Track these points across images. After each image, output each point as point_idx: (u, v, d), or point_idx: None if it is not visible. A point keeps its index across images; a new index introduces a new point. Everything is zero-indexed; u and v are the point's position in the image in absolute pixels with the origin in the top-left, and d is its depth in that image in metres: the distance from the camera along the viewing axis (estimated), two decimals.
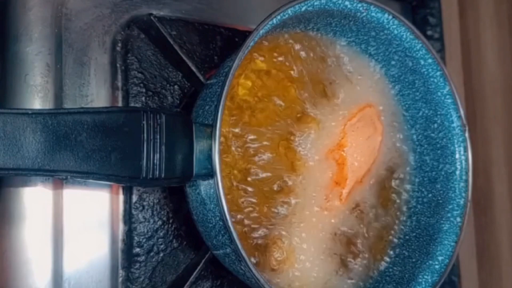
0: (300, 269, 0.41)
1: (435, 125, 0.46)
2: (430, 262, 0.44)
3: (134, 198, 0.42)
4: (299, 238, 0.41)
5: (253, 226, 0.40)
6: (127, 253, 0.42)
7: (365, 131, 0.45)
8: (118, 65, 0.43)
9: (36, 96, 0.39)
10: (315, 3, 0.39)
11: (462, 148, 0.45)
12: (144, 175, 0.34)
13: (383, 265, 0.45)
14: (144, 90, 0.43)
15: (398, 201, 0.47)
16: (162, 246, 0.43)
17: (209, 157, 0.35)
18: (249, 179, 0.40)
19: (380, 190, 0.46)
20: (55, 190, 0.40)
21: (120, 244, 0.42)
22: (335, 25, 0.44)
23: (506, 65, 0.65)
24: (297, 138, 0.42)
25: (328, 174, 0.43)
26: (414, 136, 0.47)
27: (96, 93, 0.42)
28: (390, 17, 0.43)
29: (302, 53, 0.43)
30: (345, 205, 0.44)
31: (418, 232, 0.46)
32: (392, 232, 0.46)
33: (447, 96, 0.45)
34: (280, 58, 0.42)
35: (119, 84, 0.43)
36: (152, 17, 0.43)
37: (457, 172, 0.45)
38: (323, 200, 0.43)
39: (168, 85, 0.44)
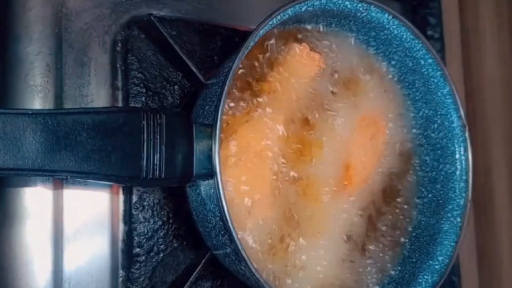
0: (306, 267, 0.41)
1: (435, 125, 0.46)
2: (430, 262, 0.44)
3: (134, 198, 0.42)
4: (305, 240, 0.42)
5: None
6: (127, 253, 0.42)
7: (368, 131, 0.45)
8: (118, 65, 0.43)
9: (36, 96, 0.39)
10: (315, 3, 0.39)
11: (462, 148, 0.45)
12: (144, 175, 0.34)
13: (383, 265, 0.45)
14: (144, 90, 0.43)
15: (399, 201, 0.47)
16: (162, 246, 0.43)
17: (209, 157, 0.35)
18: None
19: (382, 191, 0.46)
20: (55, 190, 0.40)
21: (120, 244, 0.42)
22: (335, 25, 0.44)
23: (506, 65, 0.64)
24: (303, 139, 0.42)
25: (333, 175, 0.43)
26: (414, 136, 0.47)
27: (96, 93, 0.42)
28: (390, 17, 0.43)
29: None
30: (351, 205, 0.44)
31: (418, 232, 0.46)
32: (395, 232, 0.46)
33: (447, 96, 0.45)
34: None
35: (119, 84, 0.43)
36: (152, 17, 0.43)
37: (457, 172, 0.45)
38: (330, 201, 0.43)
39: (168, 85, 0.44)
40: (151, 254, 0.42)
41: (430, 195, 0.46)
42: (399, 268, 0.45)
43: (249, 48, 0.37)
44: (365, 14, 0.42)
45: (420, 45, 0.44)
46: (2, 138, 0.31)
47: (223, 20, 0.47)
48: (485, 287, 0.61)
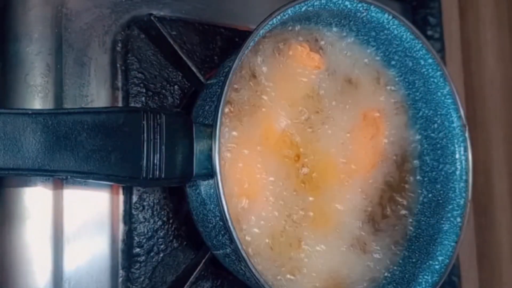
0: (306, 266, 0.41)
1: (435, 125, 0.46)
2: (430, 262, 0.44)
3: (134, 198, 0.42)
4: (306, 239, 0.42)
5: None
6: (127, 253, 0.42)
7: (368, 131, 0.45)
8: (118, 65, 0.43)
9: (36, 96, 0.39)
10: (315, 3, 0.39)
11: (462, 148, 0.45)
12: (144, 175, 0.34)
13: (384, 264, 0.45)
14: (144, 90, 0.43)
15: (399, 201, 0.47)
16: (162, 246, 0.43)
17: (209, 157, 0.35)
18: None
19: (382, 190, 0.46)
20: (55, 190, 0.40)
21: (120, 244, 0.42)
22: (335, 25, 0.44)
23: (506, 65, 0.65)
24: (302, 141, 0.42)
25: (334, 175, 0.43)
26: (414, 137, 0.47)
27: (96, 93, 0.42)
28: (390, 17, 0.43)
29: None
30: (352, 205, 0.44)
31: (418, 232, 0.46)
32: (395, 232, 0.46)
33: (447, 96, 0.45)
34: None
35: (119, 84, 0.43)
36: (152, 17, 0.43)
37: (457, 172, 0.45)
38: (331, 201, 0.43)
39: (168, 85, 0.44)
40: (151, 254, 0.42)
41: (430, 195, 0.46)
42: (399, 268, 0.45)
43: (249, 48, 0.37)
44: (365, 14, 0.42)
45: (420, 45, 0.44)
46: (2, 138, 0.31)
47: (223, 20, 0.48)
48: (485, 287, 0.61)
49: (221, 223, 0.36)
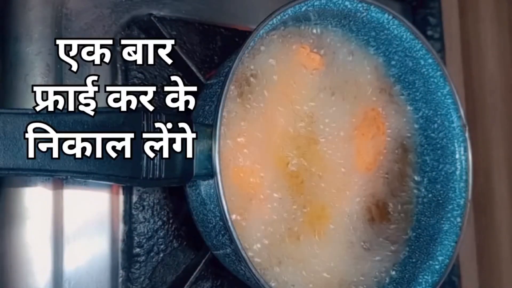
0: (307, 266, 0.41)
1: (435, 125, 0.46)
2: (430, 262, 0.44)
3: (134, 198, 0.42)
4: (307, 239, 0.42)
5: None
6: (127, 253, 0.42)
7: (368, 131, 0.45)
8: (118, 65, 0.43)
9: None
10: (315, 3, 0.39)
11: (462, 148, 0.45)
12: (144, 175, 0.34)
13: (384, 265, 0.45)
14: None
15: (399, 201, 0.47)
16: (162, 246, 0.43)
17: (209, 157, 0.35)
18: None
19: (383, 191, 0.46)
20: (55, 190, 0.40)
21: (120, 244, 0.42)
22: (335, 25, 0.44)
23: (506, 65, 0.65)
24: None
25: (335, 175, 0.43)
26: (414, 136, 0.47)
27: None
28: (390, 17, 0.43)
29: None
30: (353, 206, 0.44)
31: (418, 232, 0.46)
32: (395, 232, 0.46)
33: (447, 96, 0.45)
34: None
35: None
36: (152, 17, 0.43)
37: (457, 172, 0.45)
38: (332, 202, 0.43)
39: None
40: (151, 254, 0.42)
41: (430, 195, 0.46)
42: (399, 268, 0.45)
43: (249, 48, 0.37)
44: (365, 14, 0.42)
45: (420, 45, 0.44)
46: (2, 138, 0.31)
47: (223, 20, 0.48)
48: (485, 287, 0.61)
49: (221, 223, 0.36)
